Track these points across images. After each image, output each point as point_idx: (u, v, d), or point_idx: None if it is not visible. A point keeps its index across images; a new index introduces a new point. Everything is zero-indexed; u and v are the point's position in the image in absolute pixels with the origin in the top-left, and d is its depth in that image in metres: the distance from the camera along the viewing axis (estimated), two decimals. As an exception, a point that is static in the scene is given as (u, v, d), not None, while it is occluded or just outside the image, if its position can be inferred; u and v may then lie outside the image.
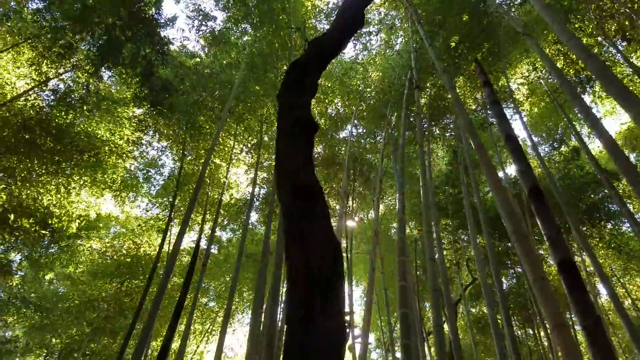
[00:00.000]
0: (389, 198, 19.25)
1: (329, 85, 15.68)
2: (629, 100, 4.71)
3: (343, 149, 16.67)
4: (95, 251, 18.41)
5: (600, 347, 3.23)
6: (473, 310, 20.09)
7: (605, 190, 14.53)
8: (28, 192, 13.20)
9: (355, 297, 26.32)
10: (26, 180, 12.99)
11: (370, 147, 17.30)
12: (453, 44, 12.96)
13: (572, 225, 10.67)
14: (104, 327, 18.42)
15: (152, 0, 11.88)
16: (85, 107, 12.97)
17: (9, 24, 12.02)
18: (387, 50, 16.52)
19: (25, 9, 11.85)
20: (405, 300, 7.27)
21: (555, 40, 13.34)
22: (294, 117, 2.84)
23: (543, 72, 14.88)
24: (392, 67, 14.90)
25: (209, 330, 21.30)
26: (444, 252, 15.91)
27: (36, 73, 12.36)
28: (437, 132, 15.84)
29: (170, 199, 15.21)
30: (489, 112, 14.42)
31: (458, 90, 13.66)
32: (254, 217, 18.11)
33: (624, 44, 13.61)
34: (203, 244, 14.14)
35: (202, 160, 14.27)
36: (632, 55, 14.10)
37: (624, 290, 18.80)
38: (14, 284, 17.08)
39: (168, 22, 12.43)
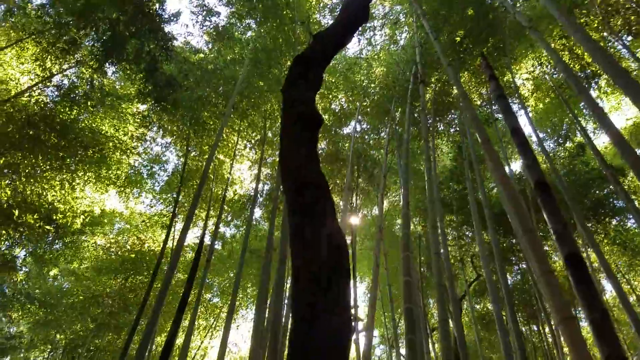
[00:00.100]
0: (393, 194, 19.21)
1: (333, 80, 15.63)
2: (637, 92, 4.66)
3: (347, 145, 16.63)
4: (99, 247, 18.45)
5: (608, 341, 3.20)
6: (477, 306, 20.06)
7: (611, 186, 14.45)
8: (32, 187, 13.22)
9: (359, 294, 26.32)
10: (30, 176, 13.00)
11: (374, 143, 17.26)
12: (458, 39, 12.90)
13: (578, 221, 10.61)
14: (108, 323, 18.47)
15: (155, -4, 11.86)
16: (89, 103, 12.96)
17: (12, 19, 12.02)
18: (392, 46, 16.45)
19: (29, 4, 11.83)
20: (409, 296, 7.24)
21: (561, 35, 13.26)
22: (297, 112, 2.82)
23: (548, 67, 14.80)
24: (396, 63, 14.85)
25: (213, 326, 21.33)
26: (448, 249, 15.88)
27: (40, 69, 12.36)
28: (442, 127, 15.79)
29: (174, 195, 15.21)
30: (494, 107, 14.36)
31: (463, 86, 13.59)
32: (257, 213, 18.13)
33: (630, 39, 13.53)
34: (207, 240, 14.16)
35: (206, 156, 14.25)
36: (638, 50, 14.01)
37: (628, 286, 18.74)
38: (19, 279, 17.12)
39: (172, 18, 12.39)
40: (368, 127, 17.29)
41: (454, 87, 14.23)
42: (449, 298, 9.30)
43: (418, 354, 7.60)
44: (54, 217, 13.85)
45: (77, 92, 12.87)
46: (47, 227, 13.68)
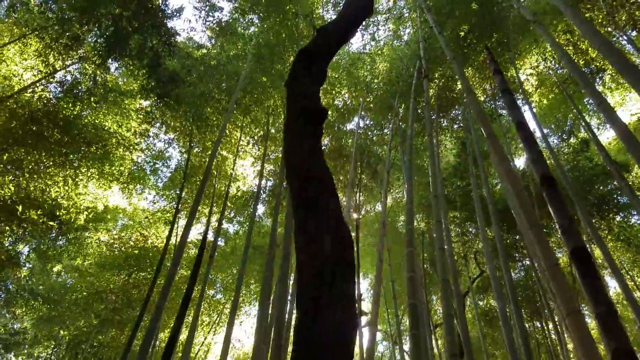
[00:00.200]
0: (396, 190, 19.19)
1: (336, 76, 15.59)
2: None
3: (350, 141, 16.59)
4: (102, 243, 18.48)
5: (614, 335, 3.18)
6: (480, 303, 20.03)
7: (615, 182, 14.40)
8: (36, 183, 13.24)
9: (362, 290, 26.33)
10: (34, 172, 13.02)
11: (377, 139, 17.22)
12: (462, 34, 12.85)
13: (582, 217, 10.58)
14: (111, 319, 18.50)
15: (158, -9, 11.83)
16: (92, 99, 12.96)
17: (15, 15, 12.01)
18: (395, 41, 16.41)
19: (32, 0, 11.82)
20: (413, 292, 7.23)
21: (565, 30, 13.20)
22: (301, 106, 2.81)
23: (552, 62, 14.74)
24: (400, 58, 14.80)
25: (216, 322, 21.37)
26: (452, 245, 15.86)
27: (43, 65, 12.35)
28: (445, 123, 15.74)
29: (177, 191, 15.22)
30: (498, 103, 14.32)
31: (467, 80, 13.55)
32: (260, 209, 18.10)
33: (635, 34, 13.46)
34: (210, 236, 14.16)
35: (209, 153, 14.25)
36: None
37: (632, 283, 18.68)
38: (22, 276, 17.16)
39: (175, 13, 12.35)
40: (371, 123, 17.26)
41: (458, 83, 14.21)
42: (452, 294, 9.28)
43: (422, 350, 7.59)
44: (58, 213, 13.86)
45: (80, 88, 12.88)
46: (51, 223, 13.69)
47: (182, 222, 15.89)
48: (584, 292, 3.53)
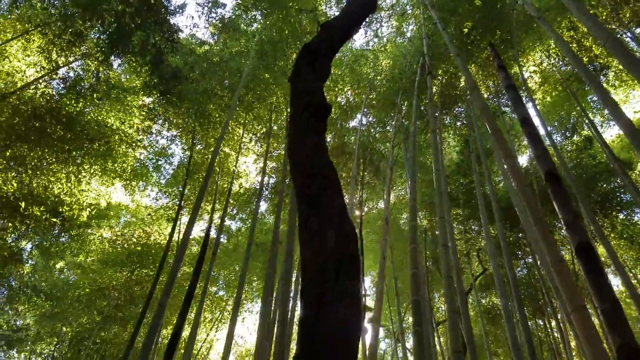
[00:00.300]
0: (399, 188, 19.18)
1: (339, 73, 15.56)
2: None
3: (352, 138, 16.58)
4: (105, 240, 18.51)
5: (620, 330, 3.15)
6: (483, 301, 20.03)
7: (618, 180, 14.37)
8: (39, 180, 13.26)
9: (365, 287, 26.29)
10: (37, 168, 13.03)
11: (380, 136, 17.20)
12: (465, 30, 12.81)
13: (586, 214, 10.55)
14: (114, 316, 18.53)
15: (161, -13, 11.81)
16: (95, 96, 12.97)
17: (18, 11, 12.01)
18: (398, 38, 16.38)
19: (35, -4, 11.83)
20: (417, 288, 7.22)
21: (569, 27, 13.16)
22: (304, 102, 2.80)
23: (556, 59, 14.70)
24: (403, 55, 14.77)
25: (219, 319, 21.39)
26: (455, 242, 15.85)
27: (46, 61, 12.35)
28: (448, 120, 15.71)
29: (180, 188, 15.23)
30: (501, 100, 14.29)
31: (472, 76, 13.51)
32: (263, 206, 18.11)
33: (639, 30, 13.42)
34: (212, 233, 14.15)
35: (212, 149, 14.25)
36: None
37: (635, 281, 18.64)
38: (25, 272, 17.19)
39: (177, 10, 12.34)
40: (374, 120, 17.23)
41: (461, 80, 14.18)
42: (456, 291, 9.27)
43: (425, 347, 7.58)
44: (60, 210, 13.88)
45: (82, 84, 12.88)
46: (54, 219, 13.71)
47: (184, 219, 15.90)
48: (589, 287, 3.51)
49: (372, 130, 17.22)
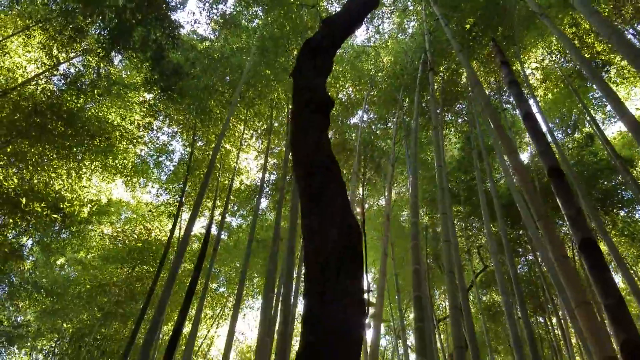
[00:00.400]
0: (400, 185, 19.17)
1: (340, 69, 15.54)
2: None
3: (354, 135, 16.56)
4: (106, 236, 18.51)
5: (624, 326, 3.14)
6: (483, 298, 20.05)
7: (620, 177, 14.36)
8: (39, 176, 13.24)
9: (368, 282, 26.27)
10: (37, 164, 13.02)
11: (381, 133, 17.18)
12: (467, 26, 12.78)
13: (588, 210, 10.54)
14: (115, 312, 18.54)
15: (162, -17, 11.78)
16: (95, 92, 12.93)
17: (19, 7, 11.98)
18: (400, 34, 16.35)
19: (36, -9, 11.80)
20: (418, 284, 7.22)
21: (571, 24, 13.14)
22: (306, 98, 2.79)
23: (558, 56, 14.68)
24: (404, 51, 14.75)
25: (220, 315, 21.42)
26: (456, 239, 15.84)
27: (47, 57, 12.34)
28: (449, 117, 15.69)
29: (181, 185, 15.21)
30: (502, 97, 14.27)
31: (474, 72, 13.48)
32: (263, 203, 18.11)
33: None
34: (213, 230, 14.15)
35: (213, 146, 14.23)
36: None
37: (636, 278, 18.65)
38: (26, 268, 17.18)
39: (178, 5, 12.32)
40: (375, 116, 17.21)
41: (462, 76, 14.16)
42: (457, 287, 9.27)
43: (427, 343, 7.58)
44: (61, 206, 13.87)
45: (83, 80, 12.84)
46: (54, 215, 13.69)
47: (185, 215, 15.89)
48: (592, 283, 3.49)
49: (373, 127, 17.21)
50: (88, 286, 18.38)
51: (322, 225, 2.04)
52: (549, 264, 7.28)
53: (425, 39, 11.77)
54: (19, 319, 21.26)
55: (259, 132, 16.58)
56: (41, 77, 12.50)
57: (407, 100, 14.71)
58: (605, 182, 15.37)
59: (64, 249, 17.22)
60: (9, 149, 12.28)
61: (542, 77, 15.91)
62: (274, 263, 9.71)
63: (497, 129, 5.19)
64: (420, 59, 12.63)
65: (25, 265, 16.55)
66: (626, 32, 13.37)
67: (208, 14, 13.92)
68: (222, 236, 18.18)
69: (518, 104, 5.39)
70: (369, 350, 9.72)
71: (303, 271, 11.60)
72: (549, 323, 17.30)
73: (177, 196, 16.45)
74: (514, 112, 15.42)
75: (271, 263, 9.59)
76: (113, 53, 12.33)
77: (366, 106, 15.78)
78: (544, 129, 12.94)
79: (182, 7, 12.40)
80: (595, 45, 13.29)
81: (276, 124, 15.90)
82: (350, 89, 16.74)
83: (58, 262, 19.07)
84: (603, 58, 13.65)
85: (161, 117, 15.13)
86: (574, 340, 14.98)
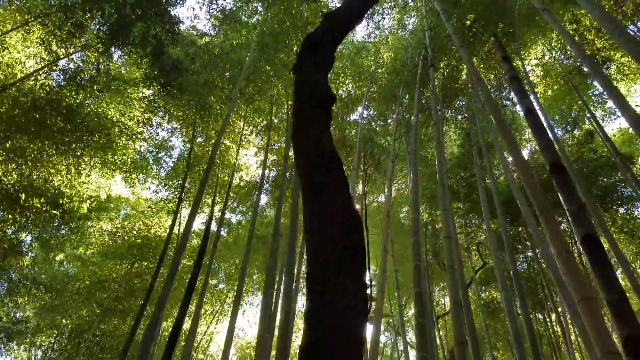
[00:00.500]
0: (400, 181, 19.16)
1: (340, 65, 15.50)
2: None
3: (354, 131, 16.54)
4: (105, 232, 18.48)
5: (626, 321, 3.14)
6: (483, 295, 20.06)
7: (619, 174, 14.36)
8: (39, 172, 13.23)
9: (369, 276, 26.27)
10: (37, 160, 12.99)
11: (381, 130, 17.16)
12: (468, 22, 12.75)
13: (588, 206, 10.54)
14: (114, 308, 18.52)
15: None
16: (95, 87, 12.91)
17: (18, 2, 11.94)
18: (400, 30, 16.31)
19: (35, -14, 11.76)
20: (419, 280, 7.22)
21: (572, 20, 13.12)
22: (307, 94, 2.77)
23: (558, 52, 14.66)
24: (404, 47, 14.72)
25: (219, 311, 21.42)
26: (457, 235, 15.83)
27: (46, 52, 12.30)
28: (449, 114, 15.67)
29: (180, 181, 15.19)
30: (502, 93, 14.26)
31: (476, 68, 13.46)
32: (263, 199, 18.10)
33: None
34: (213, 226, 14.14)
35: (212, 142, 14.21)
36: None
37: (635, 275, 18.65)
38: (25, 264, 17.16)
39: (178, 1, 12.27)
40: (375, 113, 17.18)
41: (463, 73, 14.13)
42: (458, 283, 9.27)
43: (427, 338, 7.58)
44: (60, 202, 13.85)
45: (83, 76, 12.83)
46: (54, 211, 13.68)
47: (185, 211, 15.88)
48: (594, 279, 3.49)
49: (373, 123, 17.18)
50: (87, 282, 18.36)
51: (322, 224, 2.02)
52: (548, 261, 7.27)
53: (426, 35, 11.74)
54: (18, 315, 21.25)
55: (259, 128, 16.56)
56: (40, 72, 12.47)
57: (407, 97, 14.68)
58: (605, 179, 15.37)
59: (63, 245, 17.19)
60: (8, 145, 12.26)
61: (542, 73, 15.90)
62: (274, 259, 9.70)
63: (499, 124, 5.18)
64: (421, 55, 12.60)
65: (24, 261, 16.53)
66: (627, 29, 13.35)
67: (208, 10, 13.90)
68: (222, 232, 18.17)
69: (520, 99, 5.38)
70: (368, 346, 9.73)
71: (304, 268, 11.61)
72: (547, 320, 17.31)
73: (176, 192, 16.44)
74: (513, 109, 15.41)
75: (271, 259, 9.58)
76: (112, 48, 12.30)
77: (366, 102, 15.76)
78: (545, 125, 12.97)
79: (181, 2, 12.36)
80: (596, 42, 13.28)
81: (276, 120, 15.88)
82: (350, 85, 16.72)
83: (57, 258, 19.03)
84: (603, 55, 13.65)
85: (161, 113, 15.10)
86: (573, 337, 15.00)
